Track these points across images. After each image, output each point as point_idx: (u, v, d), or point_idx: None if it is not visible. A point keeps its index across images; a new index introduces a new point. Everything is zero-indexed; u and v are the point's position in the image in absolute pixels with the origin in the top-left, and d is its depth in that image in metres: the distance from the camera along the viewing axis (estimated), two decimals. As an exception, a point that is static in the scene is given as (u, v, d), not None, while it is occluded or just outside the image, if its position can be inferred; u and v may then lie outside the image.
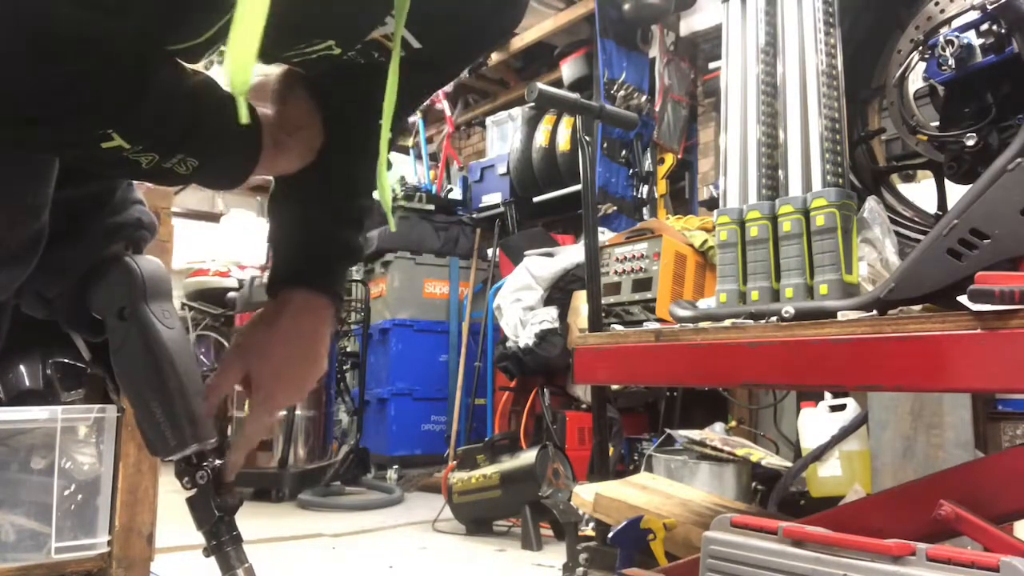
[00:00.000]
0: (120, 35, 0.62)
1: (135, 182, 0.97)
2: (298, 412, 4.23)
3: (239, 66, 0.61)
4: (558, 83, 4.97)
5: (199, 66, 0.78)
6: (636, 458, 3.48)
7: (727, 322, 1.45)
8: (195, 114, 0.73)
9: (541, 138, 5.06)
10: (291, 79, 0.89)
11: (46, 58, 0.59)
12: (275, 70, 0.89)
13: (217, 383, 0.92)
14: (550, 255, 4.06)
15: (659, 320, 1.94)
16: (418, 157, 6.08)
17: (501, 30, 0.90)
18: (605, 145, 4.63)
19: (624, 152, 4.74)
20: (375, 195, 0.92)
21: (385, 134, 0.79)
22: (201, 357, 5.33)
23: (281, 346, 0.92)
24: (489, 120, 5.92)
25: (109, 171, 0.85)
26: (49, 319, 0.97)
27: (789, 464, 2.67)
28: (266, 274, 4.51)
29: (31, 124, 0.65)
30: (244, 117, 0.67)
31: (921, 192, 1.74)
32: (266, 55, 0.62)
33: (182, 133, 0.72)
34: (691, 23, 4.85)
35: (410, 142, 6.27)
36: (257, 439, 0.95)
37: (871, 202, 1.50)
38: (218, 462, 0.91)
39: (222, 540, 0.90)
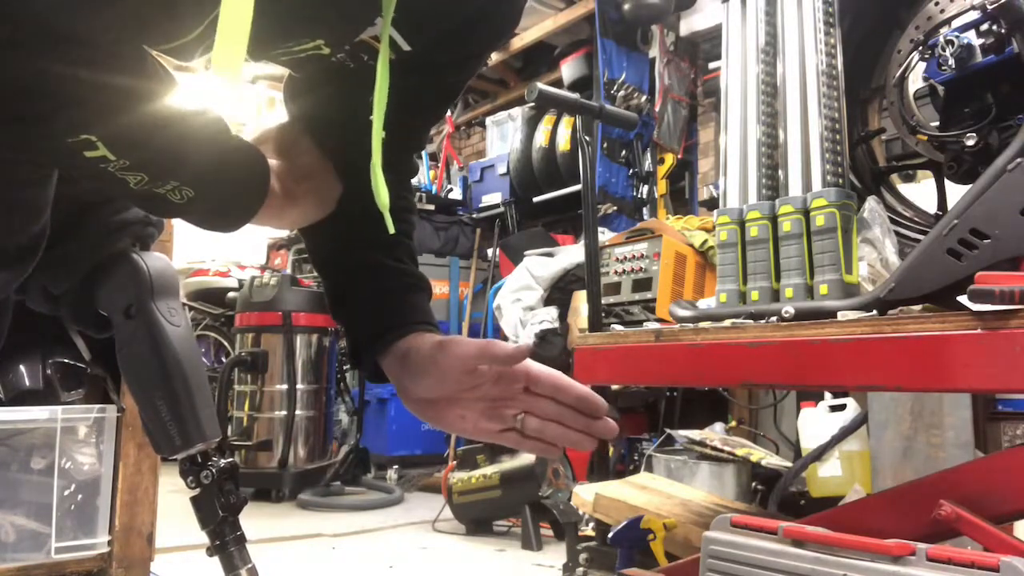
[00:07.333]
0: (106, 29, 0.59)
1: None
2: (298, 412, 4.23)
3: (227, 60, 0.58)
4: (558, 83, 4.97)
5: (190, 66, 0.77)
6: (636, 458, 3.47)
7: (727, 322, 1.45)
8: (190, 138, 0.68)
9: (541, 138, 5.06)
10: (294, 129, 0.86)
11: (26, 50, 0.56)
12: (275, 121, 0.86)
13: None
14: (550, 255, 4.05)
15: (659, 320, 1.94)
16: (418, 157, 6.08)
17: (494, 30, 0.87)
18: (605, 145, 4.62)
19: (624, 152, 4.73)
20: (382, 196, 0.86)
21: (378, 132, 0.75)
22: (201, 357, 5.31)
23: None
24: (489, 120, 5.92)
25: (100, 186, 0.79)
26: (54, 315, 0.96)
27: (789, 464, 2.67)
28: (266, 274, 4.44)
29: (15, 121, 0.61)
30: (238, 135, 0.65)
31: (921, 192, 1.74)
32: (253, 52, 0.60)
33: (174, 155, 0.67)
34: (691, 23, 4.85)
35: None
36: None
37: (871, 202, 1.50)
38: (223, 462, 0.91)
39: (226, 540, 0.90)
